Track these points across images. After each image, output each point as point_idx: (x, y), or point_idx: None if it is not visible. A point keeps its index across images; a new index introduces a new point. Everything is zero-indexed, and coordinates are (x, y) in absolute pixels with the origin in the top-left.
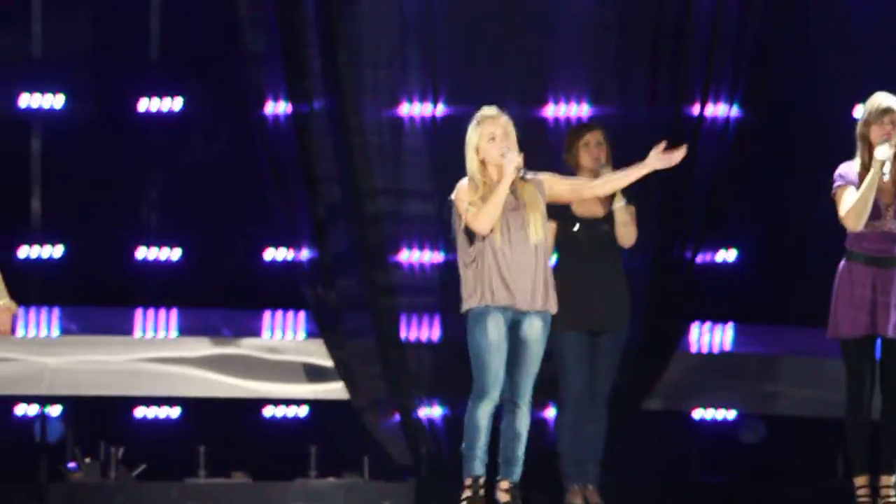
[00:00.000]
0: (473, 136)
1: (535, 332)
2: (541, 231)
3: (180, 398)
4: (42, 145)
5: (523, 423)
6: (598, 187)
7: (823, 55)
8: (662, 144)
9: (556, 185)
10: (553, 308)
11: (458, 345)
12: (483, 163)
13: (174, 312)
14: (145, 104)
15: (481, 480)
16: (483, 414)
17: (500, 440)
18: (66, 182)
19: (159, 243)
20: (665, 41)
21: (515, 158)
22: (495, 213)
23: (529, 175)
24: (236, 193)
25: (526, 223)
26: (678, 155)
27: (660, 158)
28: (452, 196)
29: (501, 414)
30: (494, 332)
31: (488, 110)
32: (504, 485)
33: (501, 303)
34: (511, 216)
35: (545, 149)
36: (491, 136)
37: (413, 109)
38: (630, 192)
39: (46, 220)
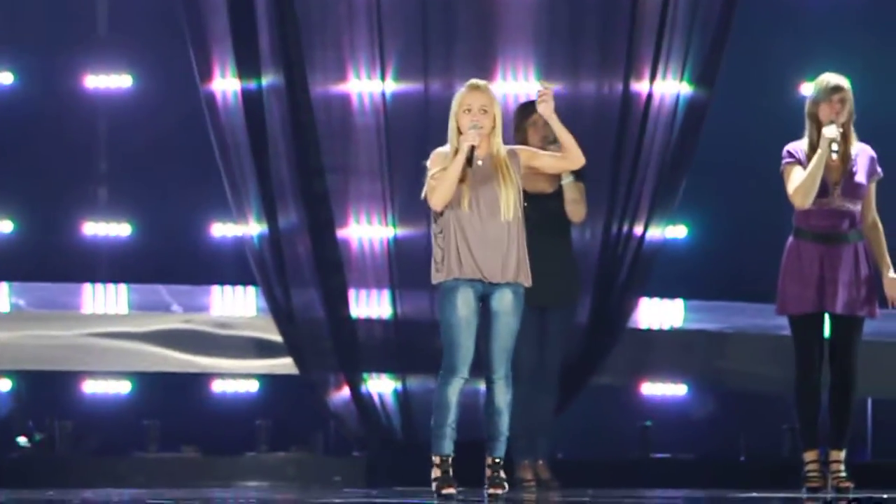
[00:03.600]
0: (455, 102)
1: (505, 304)
2: (512, 208)
3: (130, 373)
4: None
5: (502, 397)
6: (565, 154)
7: (773, 33)
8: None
9: (532, 159)
10: (527, 281)
11: (408, 320)
12: (459, 131)
13: (123, 288)
14: (94, 81)
15: (450, 459)
16: (452, 391)
17: (484, 418)
18: (14, 158)
19: (108, 219)
20: (615, 18)
21: (472, 138)
22: (448, 190)
23: (504, 148)
24: (185, 169)
25: (497, 198)
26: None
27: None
28: (427, 162)
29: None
30: (464, 308)
31: (475, 81)
32: (489, 460)
33: (469, 275)
34: (482, 189)
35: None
36: (467, 107)
37: (362, 87)
38: (580, 169)
39: None
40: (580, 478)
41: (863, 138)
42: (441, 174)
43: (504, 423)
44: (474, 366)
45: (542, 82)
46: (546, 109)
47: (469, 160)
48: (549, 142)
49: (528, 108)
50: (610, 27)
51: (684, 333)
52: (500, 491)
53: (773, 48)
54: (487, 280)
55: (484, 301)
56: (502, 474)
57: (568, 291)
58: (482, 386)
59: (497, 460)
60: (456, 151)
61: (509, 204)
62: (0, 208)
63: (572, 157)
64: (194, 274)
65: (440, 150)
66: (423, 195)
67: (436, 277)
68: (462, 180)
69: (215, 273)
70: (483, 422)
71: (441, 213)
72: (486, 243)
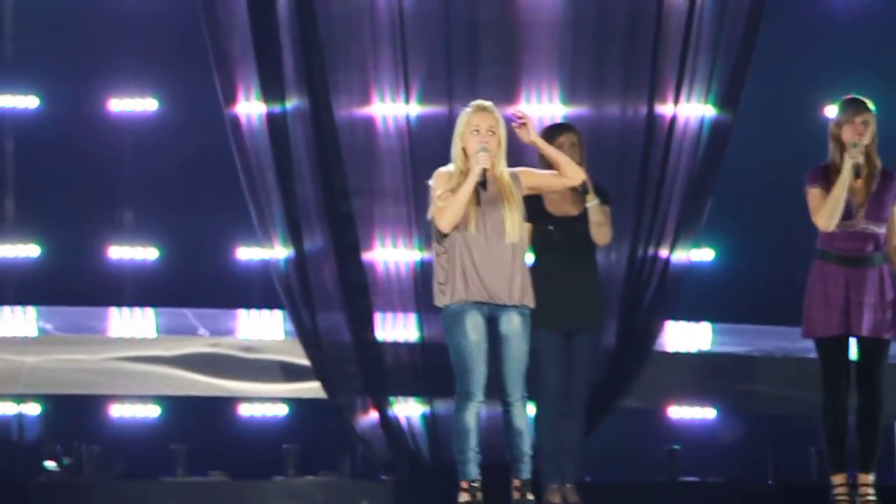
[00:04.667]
0: (461, 122)
1: (514, 327)
2: (517, 230)
3: (157, 397)
4: (15, 146)
5: (521, 418)
6: (562, 171)
7: (797, 55)
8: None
9: (532, 179)
10: (531, 303)
11: (434, 343)
12: (465, 152)
13: (150, 312)
14: (119, 104)
15: (477, 483)
16: (470, 416)
17: (506, 441)
18: (39, 182)
19: (134, 243)
20: (639, 40)
21: (484, 161)
22: (458, 213)
23: (507, 171)
24: (210, 193)
25: (503, 220)
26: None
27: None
28: (430, 181)
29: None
30: (474, 333)
31: (482, 102)
32: (515, 483)
33: (476, 297)
34: (488, 211)
35: (517, 148)
36: (475, 128)
37: (386, 109)
38: (605, 193)
39: (20, 219)
40: (608, 501)
41: (887, 161)
42: (449, 195)
43: (526, 443)
44: (488, 388)
45: (516, 109)
46: (525, 135)
47: (483, 183)
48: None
49: (553, 130)
50: (634, 50)
51: (712, 357)
52: None
53: (797, 70)
54: (494, 302)
55: (490, 324)
56: (530, 496)
57: (595, 314)
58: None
59: (524, 482)
60: (462, 172)
61: (514, 226)
62: (27, 233)
63: (569, 172)
64: (220, 297)
65: (443, 169)
66: (429, 216)
67: (440, 300)
68: (469, 202)
69: (241, 297)
70: (506, 445)
71: (446, 235)
72: (492, 265)
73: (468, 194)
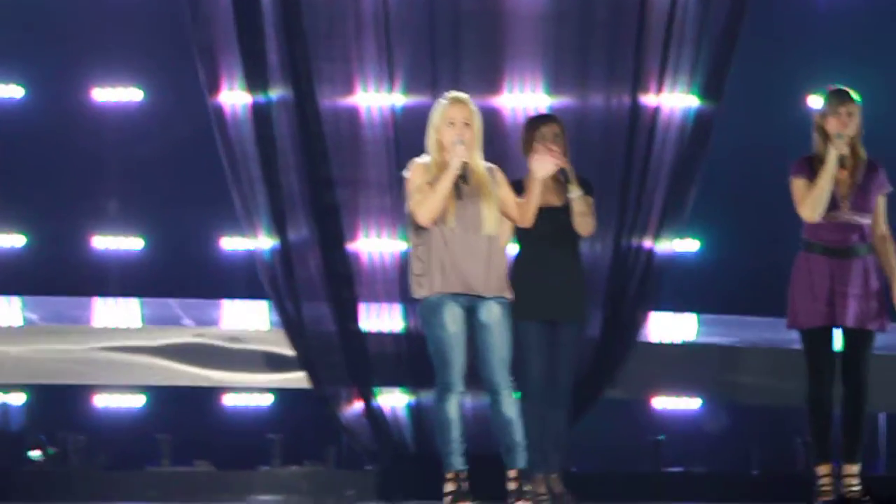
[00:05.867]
0: (436, 114)
1: (495, 315)
2: (494, 222)
3: (142, 387)
4: None
5: (511, 408)
6: (521, 205)
7: (780, 46)
8: (539, 149)
9: (501, 188)
10: (510, 294)
11: (420, 334)
12: (440, 143)
13: (135, 301)
14: (103, 94)
15: (463, 474)
16: (451, 407)
17: (495, 431)
18: (24, 172)
19: (119, 232)
20: (623, 31)
21: (462, 153)
22: (438, 207)
23: (483, 164)
24: (195, 183)
25: (480, 212)
26: (555, 156)
27: (541, 164)
28: (406, 172)
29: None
30: (452, 325)
31: (457, 94)
32: (511, 473)
33: (454, 289)
34: (465, 204)
35: (501, 139)
36: (451, 121)
37: (370, 99)
38: (588, 183)
39: (5, 209)
40: (593, 491)
41: (871, 151)
42: (427, 188)
43: (518, 432)
44: (470, 379)
45: (549, 147)
46: (545, 169)
47: (463, 177)
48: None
49: (535, 121)
50: (617, 40)
51: (696, 347)
52: None
53: (781, 61)
54: (473, 293)
55: (469, 314)
56: (526, 487)
57: (578, 305)
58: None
59: (520, 471)
60: (438, 164)
61: (491, 218)
62: (11, 223)
63: (524, 216)
64: (205, 288)
65: (419, 160)
66: (406, 208)
67: (418, 292)
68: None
69: (226, 287)
70: (497, 436)
71: (424, 227)
72: (470, 257)
73: (448, 188)
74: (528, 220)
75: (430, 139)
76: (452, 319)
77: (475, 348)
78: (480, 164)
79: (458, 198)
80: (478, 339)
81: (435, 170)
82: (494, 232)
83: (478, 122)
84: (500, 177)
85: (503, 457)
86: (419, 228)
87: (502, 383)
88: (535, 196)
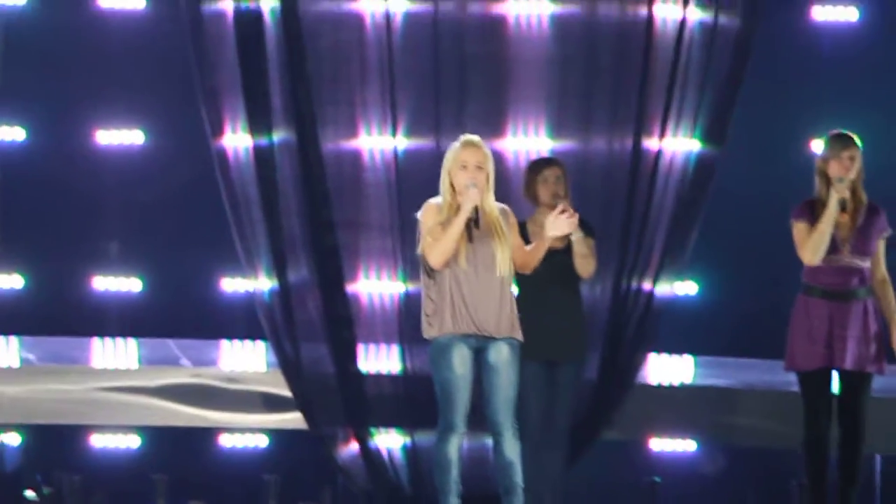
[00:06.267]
0: (449, 157)
1: (504, 356)
2: (507, 264)
3: (139, 427)
4: (2, 177)
5: (512, 450)
6: (527, 254)
7: (783, 91)
8: (559, 209)
9: (511, 235)
10: (519, 336)
11: (417, 375)
12: (453, 186)
13: (133, 342)
14: (105, 136)
15: None
16: (452, 448)
17: (496, 472)
18: (25, 213)
19: (118, 273)
20: (627, 75)
21: (474, 197)
22: (449, 250)
23: (497, 206)
24: (196, 225)
25: (493, 254)
26: (572, 220)
27: (556, 224)
28: (419, 214)
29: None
30: (460, 366)
31: (470, 137)
32: None
33: (464, 330)
34: (479, 244)
35: (504, 182)
36: (463, 164)
37: (373, 143)
38: (589, 225)
39: (4, 249)
40: None
41: (872, 196)
42: (439, 231)
43: (518, 474)
44: (472, 419)
45: (566, 205)
46: (561, 229)
47: (476, 221)
48: (560, 197)
49: (538, 165)
50: (621, 85)
51: (694, 389)
52: None
53: (784, 106)
54: (483, 335)
55: (478, 355)
56: None
57: (578, 346)
58: (488, 440)
59: None
60: (451, 206)
61: (504, 259)
62: (11, 263)
63: (527, 265)
64: (204, 328)
65: (433, 201)
66: (418, 250)
67: (428, 332)
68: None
69: (225, 327)
70: (497, 477)
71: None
72: (482, 298)
73: (459, 231)
74: (530, 269)
75: (444, 182)
76: (461, 361)
77: (481, 388)
78: (493, 205)
79: (469, 240)
80: (484, 380)
81: (448, 211)
82: (507, 273)
83: (490, 165)
84: (512, 220)
85: (501, 498)
86: (432, 269)
87: (505, 424)
88: (543, 251)
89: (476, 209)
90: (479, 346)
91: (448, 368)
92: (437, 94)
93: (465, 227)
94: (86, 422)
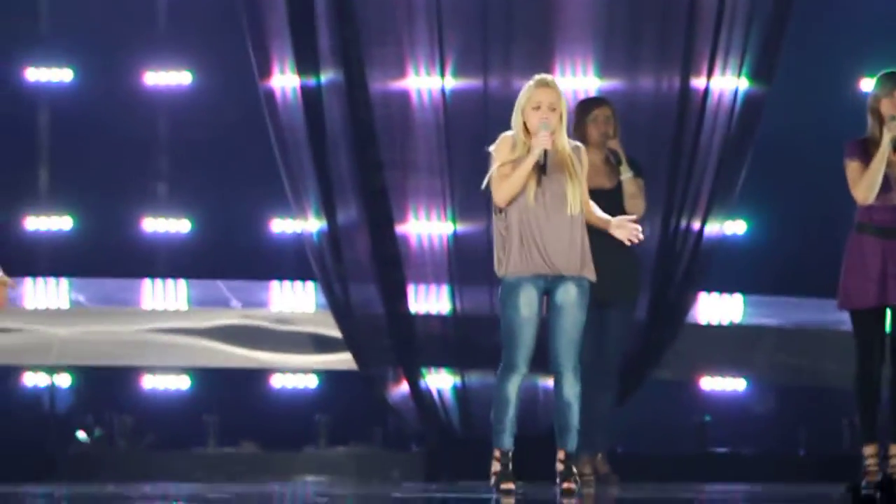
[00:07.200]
0: (523, 96)
1: (571, 297)
2: (578, 203)
3: (189, 368)
4: (50, 119)
5: (571, 390)
6: (592, 214)
7: (832, 29)
8: (632, 217)
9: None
10: (591, 275)
11: (467, 315)
12: (526, 126)
13: (182, 283)
14: (154, 77)
15: (510, 454)
16: (512, 387)
17: (554, 411)
18: (74, 155)
19: (168, 215)
20: (673, 14)
21: (544, 142)
22: (515, 190)
23: (569, 143)
24: (244, 166)
25: (564, 192)
26: (633, 232)
27: (620, 227)
28: (491, 148)
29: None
30: (526, 308)
31: (544, 77)
32: (561, 454)
33: (534, 270)
34: (549, 184)
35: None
36: (536, 105)
37: (421, 83)
38: (638, 165)
39: (54, 191)
40: (639, 472)
41: None
42: (507, 170)
43: (574, 415)
44: (535, 360)
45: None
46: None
47: (543, 166)
48: (609, 137)
49: (588, 104)
50: (668, 23)
51: (744, 329)
52: (573, 486)
53: (832, 43)
54: (553, 274)
55: (548, 295)
56: (574, 469)
57: (628, 288)
58: (541, 381)
59: (568, 454)
60: (524, 143)
61: (576, 198)
62: (61, 205)
63: (596, 218)
64: (253, 269)
65: (507, 135)
66: (484, 184)
67: (498, 270)
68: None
69: (274, 269)
70: (553, 415)
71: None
72: (552, 237)
73: (526, 174)
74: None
75: (516, 120)
76: (527, 302)
77: (548, 327)
78: (567, 144)
79: (538, 180)
80: (550, 319)
81: (521, 149)
82: (577, 211)
83: (563, 105)
84: (584, 158)
85: (556, 437)
86: (501, 208)
87: (567, 365)
88: (523, 174)
89: (545, 152)
90: (549, 286)
91: (514, 309)
92: (484, 34)
93: (533, 169)
94: (136, 363)
